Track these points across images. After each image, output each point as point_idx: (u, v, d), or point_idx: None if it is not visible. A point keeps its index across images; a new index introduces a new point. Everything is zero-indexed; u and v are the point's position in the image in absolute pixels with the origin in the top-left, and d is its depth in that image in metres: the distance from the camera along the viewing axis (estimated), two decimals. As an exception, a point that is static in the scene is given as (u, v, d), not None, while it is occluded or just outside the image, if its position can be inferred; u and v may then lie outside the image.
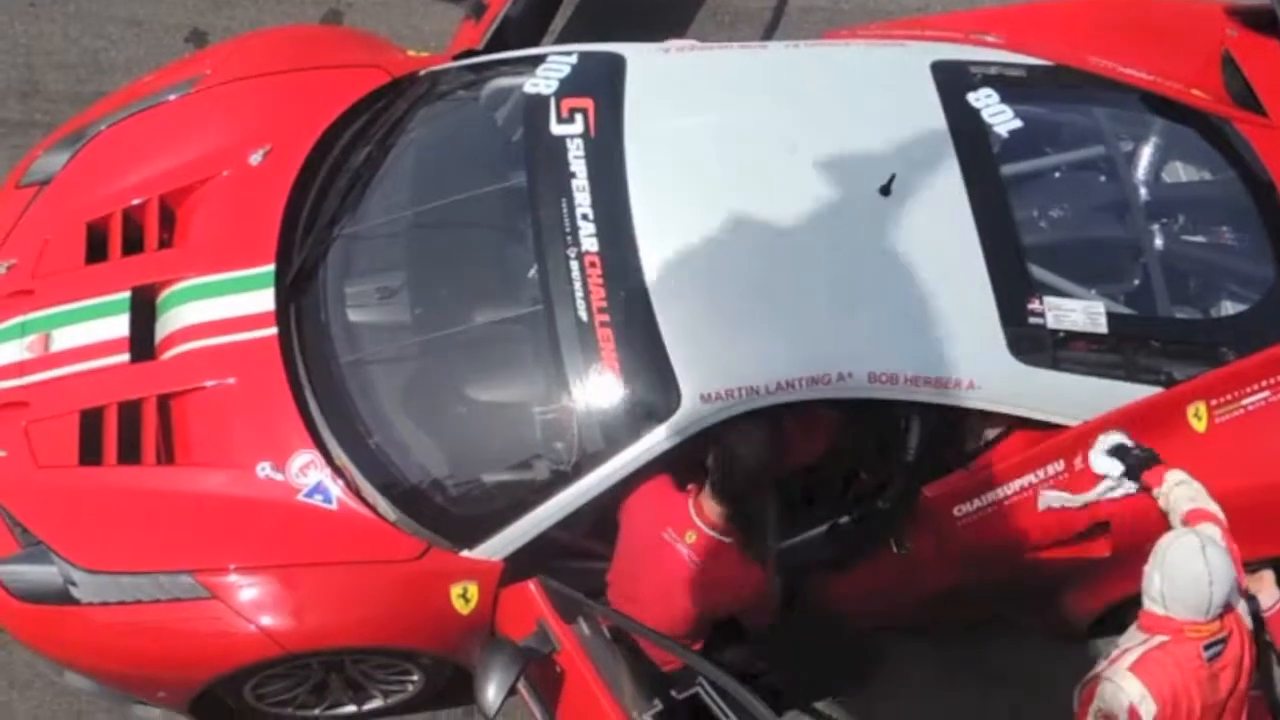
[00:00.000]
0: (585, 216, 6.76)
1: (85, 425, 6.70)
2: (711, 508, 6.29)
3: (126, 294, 6.98)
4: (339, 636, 6.59)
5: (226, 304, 6.93)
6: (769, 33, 9.15)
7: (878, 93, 7.28)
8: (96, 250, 7.15)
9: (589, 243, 6.69)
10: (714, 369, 6.46)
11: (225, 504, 6.57)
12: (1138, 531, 6.56)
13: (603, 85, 7.14)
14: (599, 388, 6.48)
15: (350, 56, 7.81)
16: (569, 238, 6.71)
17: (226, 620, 6.45)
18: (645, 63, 7.29)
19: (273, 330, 6.83)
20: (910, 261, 6.75)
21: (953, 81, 7.28)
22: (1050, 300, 6.75)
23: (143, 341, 6.90)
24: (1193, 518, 6.29)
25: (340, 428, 6.66)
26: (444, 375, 6.81)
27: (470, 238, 7.05)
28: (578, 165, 6.90)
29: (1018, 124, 7.18)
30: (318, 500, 6.55)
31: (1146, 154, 7.47)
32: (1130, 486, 6.61)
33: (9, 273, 7.11)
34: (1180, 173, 7.57)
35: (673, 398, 6.40)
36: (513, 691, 6.12)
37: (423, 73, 7.64)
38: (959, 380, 6.56)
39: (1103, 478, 6.63)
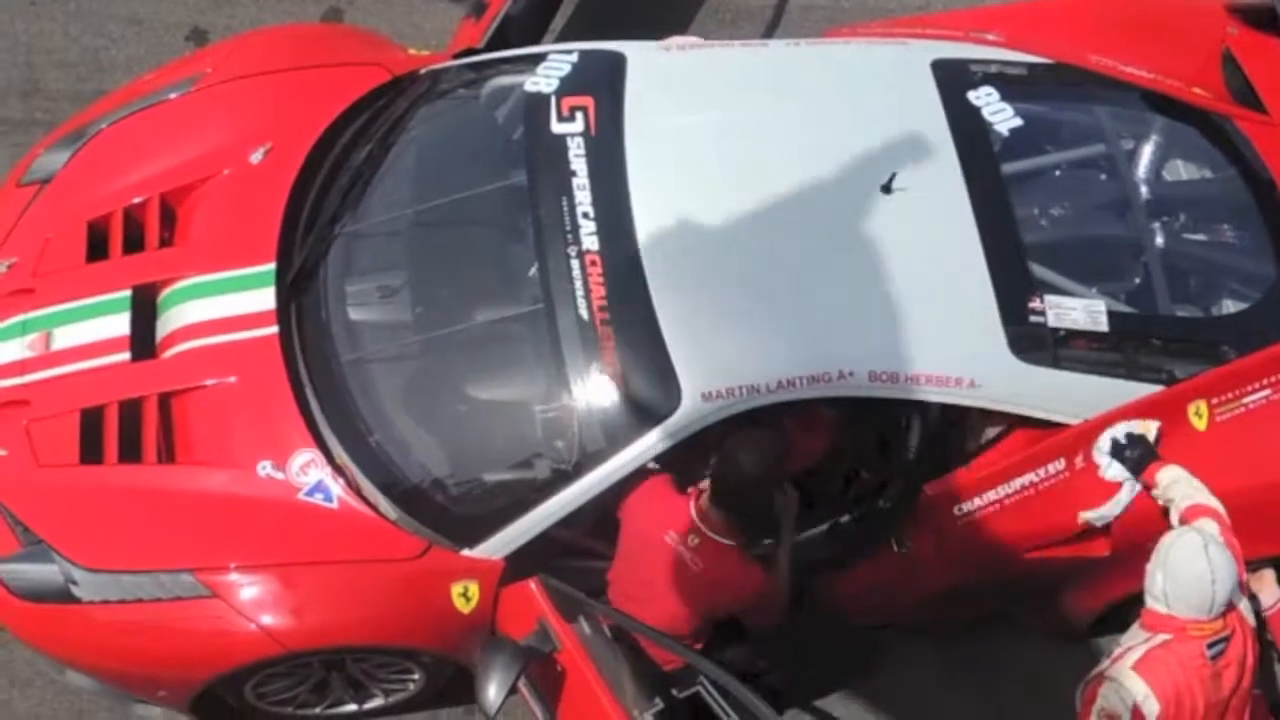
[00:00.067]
0: (586, 215, 6.76)
1: (86, 424, 6.70)
2: (713, 511, 6.30)
3: (127, 293, 6.98)
4: (340, 635, 6.59)
5: (227, 303, 6.92)
6: (770, 31, 9.15)
7: (878, 91, 7.29)
8: (97, 249, 7.15)
9: (590, 241, 6.69)
10: (715, 367, 6.46)
11: (226, 503, 6.57)
12: (1138, 530, 6.56)
13: (603, 84, 7.14)
14: (600, 386, 6.48)
15: (351, 55, 7.81)
16: (569, 236, 6.71)
17: (227, 619, 6.45)
18: (646, 61, 7.28)
19: (273, 329, 6.83)
20: (911, 260, 6.75)
21: (953, 80, 7.28)
22: (1051, 299, 6.75)
23: (143, 340, 6.90)
24: (1192, 514, 6.30)
25: (341, 426, 6.66)
26: (445, 374, 6.81)
27: (471, 236, 7.05)
28: (578, 164, 6.90)
29: (1018, 122, 7.18)
30: (318, 499, 6.56)
31: (1147, 152, 7.47)
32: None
33: (10, 271, 7.11)
34: (1181, 171, 7.56)
35: (673, 396, 6.40)
36: (513, 690, 6.12)
37: (423, 71, 7.64)
38: (960, 379, 6.56)
39: (1121, 483, 6.63)
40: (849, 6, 9.33)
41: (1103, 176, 7.38)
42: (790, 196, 6.82)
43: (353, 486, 6.57)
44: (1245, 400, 6.83)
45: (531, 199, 6.88)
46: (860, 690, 7.47)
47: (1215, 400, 6.79)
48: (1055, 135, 7.41)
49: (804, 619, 6.84)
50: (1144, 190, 7.37)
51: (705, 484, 6.39)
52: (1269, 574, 6.58)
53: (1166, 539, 6.11)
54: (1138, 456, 6.58)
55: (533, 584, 6.38)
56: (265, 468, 6.59)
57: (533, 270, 6.75)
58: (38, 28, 9.04)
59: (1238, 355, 6.85)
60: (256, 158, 7.31)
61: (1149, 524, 6.49)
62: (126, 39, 9.04)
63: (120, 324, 6.90)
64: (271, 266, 6.96)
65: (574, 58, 7.28)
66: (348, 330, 6.88)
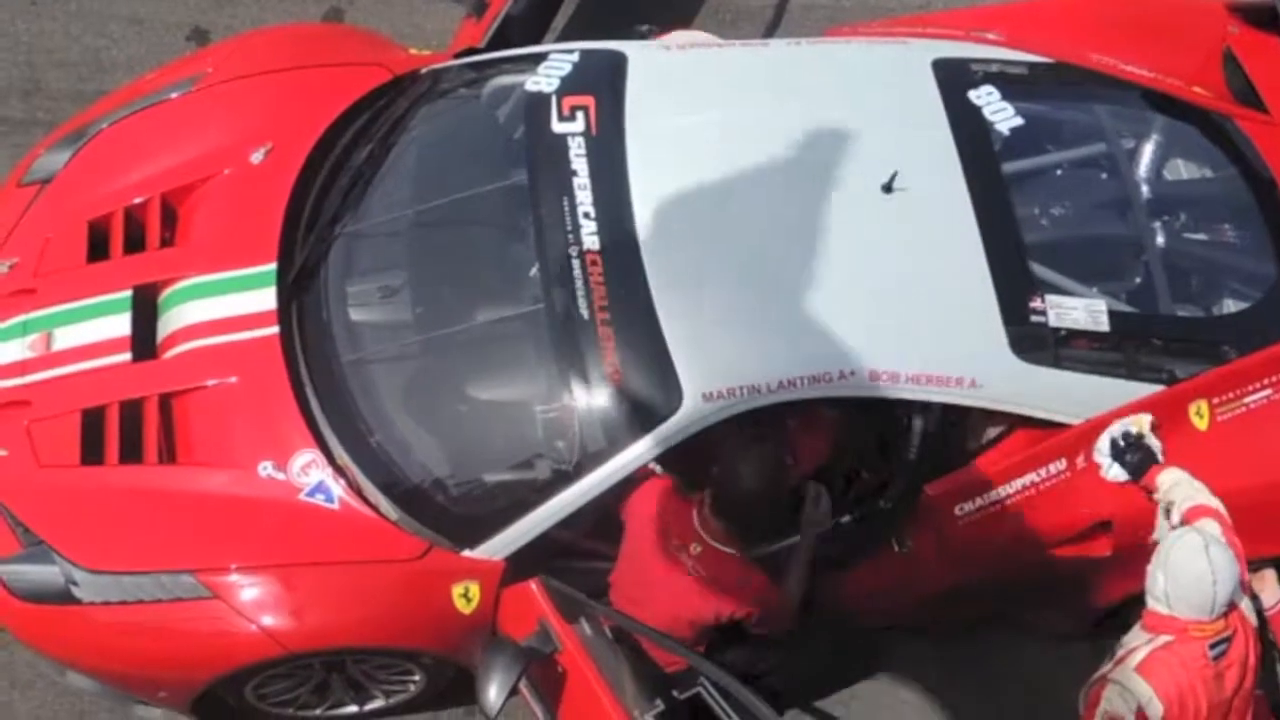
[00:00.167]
0: (587, 215, 6.75)
1: (87, 424, 6.70)
2: (714, 520, 6.30)
3: (128, 293, 6.98)
4: (340, 636, 6.59)
5: (228, 303, 6.92)
6: (770, 30, 9.14)
7: (879, 91, 7.28)
8: (98, 249, 7.15)
9: (590, 241, 6.69)
10: (716, 367, 6.46)
11: (227, 503, 6.57)
12: (1139, 530, 6.56)
13: (604, 83, 7.14)
14: (600, 386, 6.47)
15: (352, 55, 7.81)
16: (570, 236, 6.71)
17: (228, 620, 6.45)
18: (646, 61, 7.28)
19: (274, 329, 6.83)
20: (912, 259, 6.76)
21: (954, 79, 7.28)
22: (1052, 298, 6.74)
23: (144, 340, 6.90)
24: (1193, 515, 6.29)
25: (342, 427, 6.66)
26: (445, 374, 6.80)
27: (472, 236, 7.04)
28: (579, 163, 6.89)
29: (1019, 121, 7.18)
30: (319, 500, 6.55)
31: (1148, 151, 7.47)
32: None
33: (11, 271, 7.11)
34: (1182, 170, 7.56)
35: (674, 396, 6.39)
36: (514, 692, 6.12)
37: (424, 71, 7.64)
38: (960, 379, 6.56)
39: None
40: (849, 6, 9.33)
41: (1103, 176, 7.38)
42: (791, 196, 6.82)
43: (354, 487, 6.57)
44: (1246, 400, 6.84)
45: (532, 199, 6.88)
46: (861, 691, 7.47)
47: (1216, 400, 6.80)
48: (1056, 134, 7.41)
49: (805, 619, 6.83)
50: (1145, 190, 7.37)
51: (707, 492, 6.38)
52: (1270, 574, 6.58)
53: (1167, 540, 6.10)
54: (1139, 459, 6.58)
55: (533, 585, 6.37)
56: (266, 468, 6.59)
57: (533, 270, 6.75)
58: (39, 27, 9.04)
59: (1239, 355, 6.86)
60: (257, 158, 7.30)
61: (1150, 524, 6.48)
62: (127, 39, 9.04)
63: (121, 324, 6.90)
64: (272, 266, 6.96)
65: (575, 57, 7.28)
66: (348, 330, 6.87)
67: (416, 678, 6.98)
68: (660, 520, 6.42)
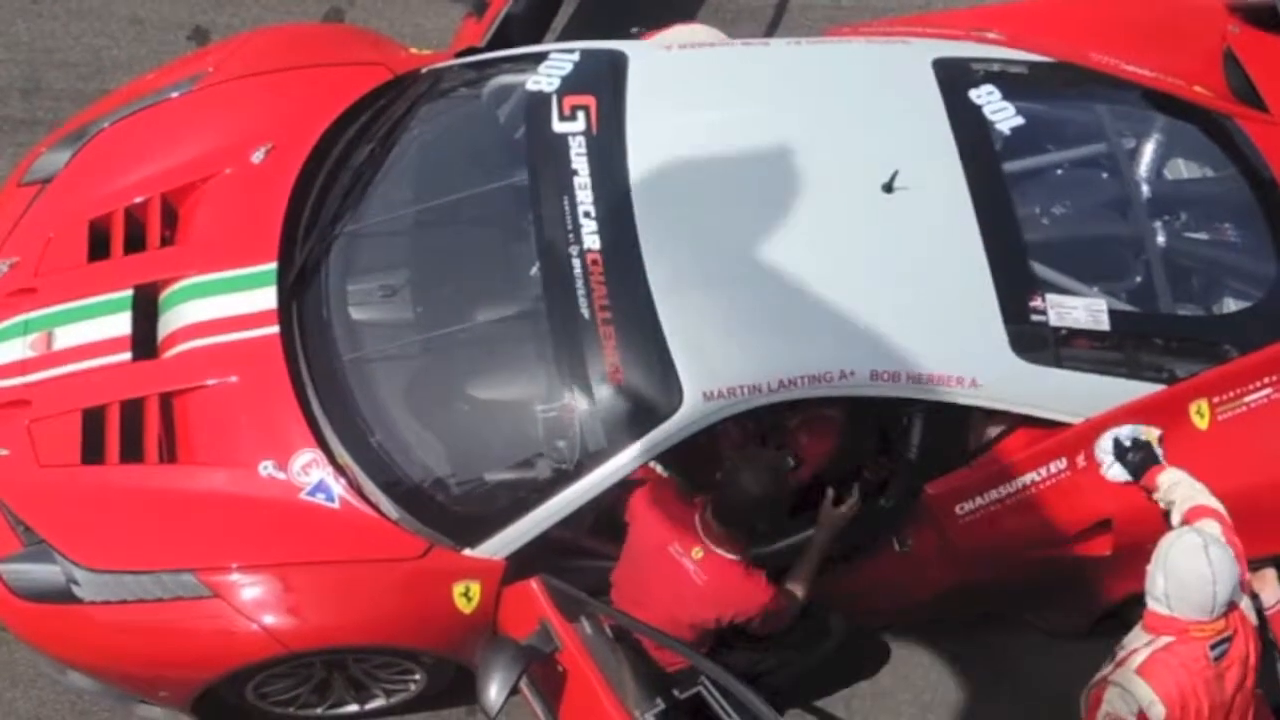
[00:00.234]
0: (587, 214, 6.76)
1: (87, 424, 6.71)
2: (716, 526, 6.30)
3: (128, 292, 6.98)
4: (341, 635, 6.59)
5: (228, 302, 6.92)
6: (771, 30, 9.14)
7: (879, 90, 7.29)
8: (99, 248, 7.15)
9: (591, 240, 6.69)
10: (716, 367, 6.46)
11: (227, 503, 6.57)
12: (1140, 530, 6.55)
13: (604, 83, 7.14)
14: (601, 386, 6.47)
15: (352, 54, 7.81)
16: (571, 235, 6.71)
17: (229, 619, 6.45)
18: (647, 60, 7.29)
19: (275, 328, 6.83)
20: (912, 259, 6.76)
21: (954, 78, 7.28)
22: (1052, 298, 6.74)
23: (145, 340, 6.90)
24: (1194, 515, 6.29)
25: (342, 426, 6.66)
26: (446, 373, 6.80)
27: (472, 236, 7.04)
28: (580, 163, 6.89)
29: (1019, 121, 7.18)
30: (320, 499, 6.56)
31: (1148, 151, 7.47)
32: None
33: (11, 271, 7.11)
34: (1182, 169, 7.56)
35: (675, 396, 6.39)
36: (515, 691, 6.13)
37: (425, 70, 7.63)
38: (961, 378, 6.56)
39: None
40: (850, 5, 9.32)
41: (1104, 175, 7.38)
42: (791, 195, 6.81)
43: (354, 486, 6.57)
44: (1247, 399, 6.84)
45: (533, 198, 6.88)
46: (861, 690, 7.48)
47: (1217, 399, 6.80)
48: (1056, 134, 7.40)
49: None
50: (1145, 189, 7.37)
51: (710, 496, 6.38)
52: (1270, 573, 6.58)
53: (1166, 540, 6.10)
54: (1139, 459, 6.59)
55: (534, 584, 6.39)
56: (267, 467, 6.59)
57: (534, 269, 6.75)
58: (40, 27, 9.04)
59: (1239, 354, 6.86)
60: (258, 157, 7.31)
61: (1151, 523, 6.48)
62: (128, 38, 9.04)
63: (121, 323, 6.90)
64: (273, 266, 6.96)
65: (575, 57, 7.28)
66: (349, 330, 6.88)
67: (417, 677, 6.98)
68: (662, 524, 6.42)
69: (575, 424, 6.49)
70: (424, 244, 7.10)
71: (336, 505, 6.55)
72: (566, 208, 6.77)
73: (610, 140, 6.94)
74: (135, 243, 7.17)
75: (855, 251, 6.75)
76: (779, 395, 6.44)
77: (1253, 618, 6.28)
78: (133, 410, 6.73)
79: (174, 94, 7.57)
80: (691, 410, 6.38)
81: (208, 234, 7.16)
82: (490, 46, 7.64)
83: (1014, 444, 6.76)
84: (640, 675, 6.36)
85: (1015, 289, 6.72)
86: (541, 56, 7.34)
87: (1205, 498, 6.35)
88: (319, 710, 7.12)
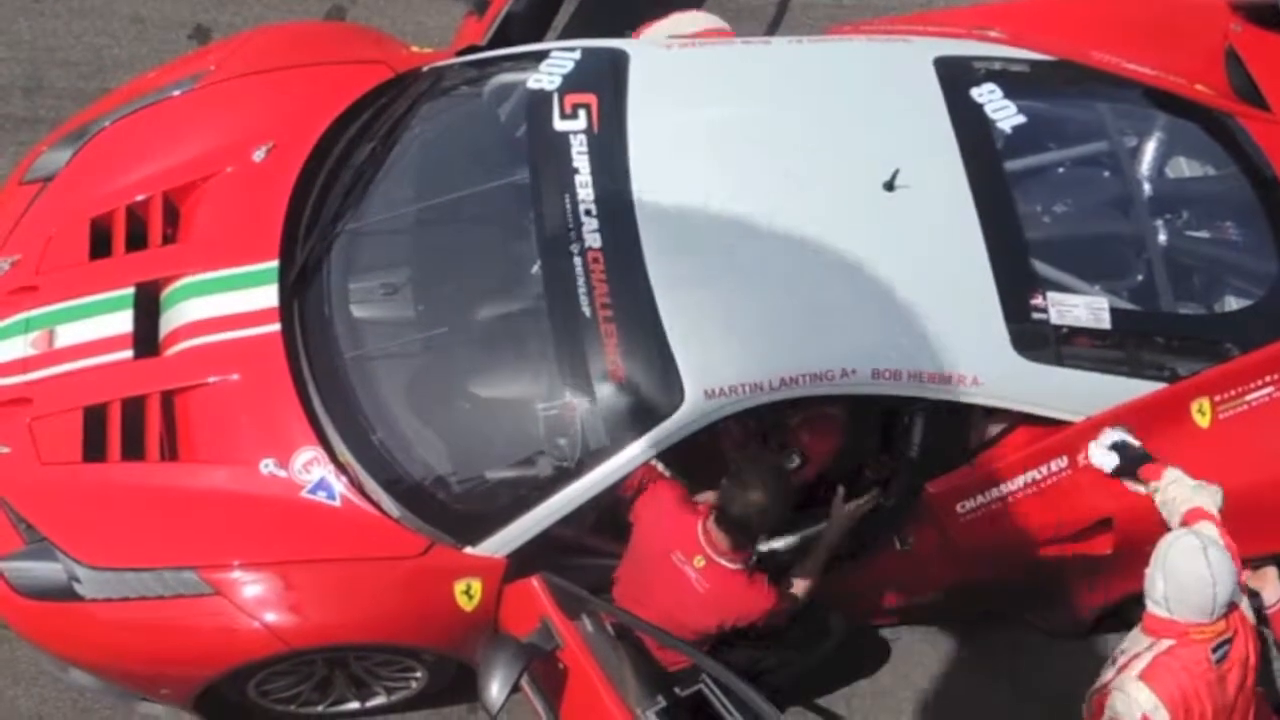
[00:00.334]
0: (589, 212, 6.76)
1: (89, 421, 6.71)
2: (719, 535, 6.30)
3: (130, 290, 6.98)
4: (342, 633, 6.59)
5: (230, 300, 6.92)
6: (772, 28, 9.14)
7: (881, 89, 7.29)
8: (100, 246, 7.15)
9: (592, 238, 6.69)
10: (717, 365, 6.46)
11: (229, 500, 6.57)
12: (1140, 528, 6.55)
13: (605, 81, 7.14)
14: (602, 384, 6.47)
15: (354, 52, 7.81)
16: (572, 234, 6.71)
17: (230, 617, 6.45)
18: (648, 58, 7.29)
19: (276, 326, 6.83)
20: (913, 257, 6.76)
21: (956, 77, 7.28)
22: (1054, 296, 6.74)
23: (146, 338, 6.90)
24: (1191, 518, 6.27)
25: (343, 424, 6.66)
26: (447, 371, 6.80)
27: (473, 234, 7.05)
28: (581, 161, 6.90)
29: (1021, 119, 7.18)
30: (321, 497, 6.56)
31: (1150, 149, 7.47)
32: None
33: (13, 269, 7.11)
34: (1184, 168, 7.56)
35: (676, 394, 6.40)
36: (516, 688, 6.13)
37: (426, 69, 7.63)
38: (962, 376, 6.56)
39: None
40: (851, 4, 9.32)
41: (1105, 173, 7.38)
42: (792, 193, 6.82)
43: (355, 484, 6.57)
44: (1248, 398, 6.85)
45: (534, 196, 6.88)
46: (861, 688, 7.48)
47: (1218, 398, 6.81)
48: (1058, 132, 7.41)
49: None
50: (1147, 187, 7.37)
51: (713, 499, 6.38)
52: (1271, 571, 6.56)
53: (1164, 542, 6.08)
54: (1137, 456, 6.58)
55: (535, 582, 6.38)
56: (268, 465, 6.59)
57: (535, 268, 6.75)
58: (41, 25, 9.05)
59: (1240, 352, 6.86)
60: (259, 155, 7.31)
61: (1151, 522, 6.48)
62: (130, 37, 9.05)
63: (123, 321, 6.90)
64: (274, 264, 6.96)
65: (576, 55, 7.28)
66: (350, 328, 6.88)
67: (418, 674, 6.99)
68: (664, 531, 6.43)
69: (576, 422, 6.49)
70: (425, 242, 7.10)
71: (338, 503, 6.55)
72: (568, 206, 6.78)
73: (611, 138, 6.94)
74: (137, 241, 7.17)
75: (856, 249, 6.73)
76: (780, 393, 6.44)
77: (1252, 618, 6.27)
78: (134, 408, 6.73)
79: (175, 92, 7.57)
80: (693, 408, 6.38)
81: (209, 232, 7.16)
82: (491, 45, 7.64)
83: (1015, 442, 6.77)
84: (641, 673, 6.36)
85: (1016, 287, 6.72)
86: (543, 55, 7.35)
87: (1202, 498, 6.32)
88: (320, 708, 7.13)
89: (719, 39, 7.61)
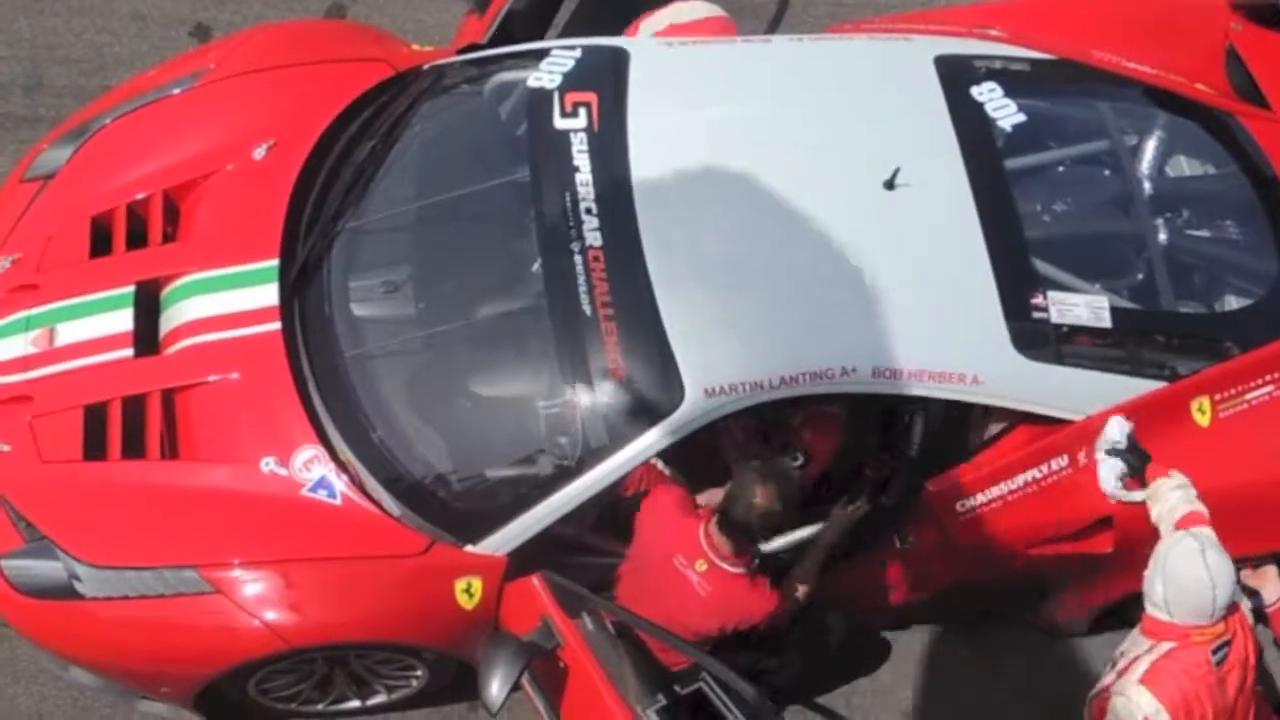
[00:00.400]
0: (589, 211, 6.76)
1: (89, 420, 6.71)
2: (721, 539, 6.29)
3: (130, 288, 6.98)
4: (343, 631, 6.59)
5: (230, 299, 6.92)
6: (773, 26, 9.13)
7: (881, 87, 7.29)
8: (101, 245, 7.15)
9: (593, 237, 6.69)
10: (718, 363, 6.46)
11: (229, 499, 6.57)
12: (1140, 528, 6.53)
13: (606, 79, 7.14)
14: (603, 382, 6.47)
15: (354, 51, 7.81)
16: (573, 232, 6.71)
17: (230, 615, 6.45)
18: (648, 57, 7.29)
19: (277, 325, 6.83)
20: (914, 256, 6.76)
21: (956, 76, 7.28)
22: (1054, 295, 6.74)
23: (147, 336, 6.91)
24: (1187, 521, 6.25)
25: (344, 423, 6.66)
26: (448, 370, 6.81)
27: (474, 232, 7.05)
28: (581, 159, 6.90)
29: (1021, 118, 7.18)
30: (322, 495, 6.56)
31: (1150, 148, 7.47)
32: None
33: (13, 267, 7.12)
34: (1184, 167, 7.56)
35: (676, 392, 6.40)
36: (517, 687, 6.13)
37: (426, 67, 7.63)
38: (962, 375, 6.56)
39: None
40: (852, 2, 9.33)
41: (1106, 172, 7.39)
42: (793, 192, 6.81)
43: (356, 483, 6.57)
44: (1248, 396, 6.85)
45: (534, 195, 6.88)
46: (861, 688, 7.48)
47: (1218, 396, 6.81)
48: (1058, 131, 7.41)
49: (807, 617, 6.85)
50: (1147, 186, 7.38)
51: (715, 500, 6.38)
52: (1271, 570, 6.57)
53: (1163, 545, 6.08)
54: (1138, 459, 6.57)
55: (536, 580, 6.39)
56: (268, 464, 6.59)
57: (536, 266, 6.75)
58: (42, 23, 9.05)
59: (1241, 351, 6.86)
60: (260, 153, 7.31)
61: (1150, 522, 6.47)
62: (130, 35, 9.05)
63: (123, 320, 6.91)
64: (275, 262, 6.96)
65: (577, 53, 7.28)
66: (351, 326, 6.88)
67: (419, 673, 6.99)
68: (667, 535, 6.43)
69: (577, 420, 6.50)
70: (426, 240, 7.10)
71: (338, 501, 6.55)
72: (568, 204, 6.78)
73: (612, 137, 6.94)
74: (137, 239, 7.18)
75: (857, 248, 6.73)
76: (781, 392, 6.44)
77: (1250, 618, 6.27)
78: (135, 406, 6.73)
79: (176, 90, 7.57)
80: (693, 407, 6.38)
81: (209, 230, 7.16)
82: (492, 43, 7.63)
83: (1015, 441, 6.77)
84: (642, 671, 6.36)
85: (1017, 286, 6.72)
86: (543, 53, 7.34)
87: (1198, 504, 6.31)
88: (321, 706, 7.13)
89: (719, 38, 7.59)
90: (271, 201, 7.12)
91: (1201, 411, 6.79)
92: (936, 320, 6.64)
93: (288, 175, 7.19)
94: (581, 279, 6.60)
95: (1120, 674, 6.16)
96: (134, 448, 6.66)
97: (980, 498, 6.74)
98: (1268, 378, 6.85)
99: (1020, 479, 6.72)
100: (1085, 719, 6.39)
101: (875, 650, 7.52)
